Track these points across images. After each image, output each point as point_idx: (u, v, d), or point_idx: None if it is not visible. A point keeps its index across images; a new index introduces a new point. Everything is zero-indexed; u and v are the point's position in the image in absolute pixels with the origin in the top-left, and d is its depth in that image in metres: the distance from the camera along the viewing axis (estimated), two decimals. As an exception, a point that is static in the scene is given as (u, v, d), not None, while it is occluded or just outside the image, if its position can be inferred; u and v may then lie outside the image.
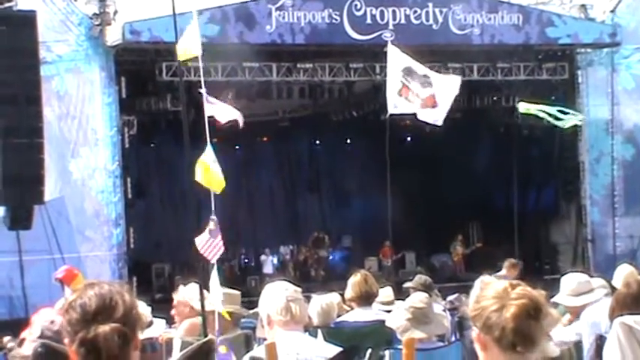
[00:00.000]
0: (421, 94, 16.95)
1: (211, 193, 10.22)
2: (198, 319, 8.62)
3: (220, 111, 10.90)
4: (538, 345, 3.39)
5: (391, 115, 17.06)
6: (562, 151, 27.94)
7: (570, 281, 8.96)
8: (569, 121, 21.52)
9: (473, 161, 31.35)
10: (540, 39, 26.18)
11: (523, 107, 21.51)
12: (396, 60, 17.41)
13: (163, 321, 10.02)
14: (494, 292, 3.48)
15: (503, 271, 16.87)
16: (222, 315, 8.22)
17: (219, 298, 9.06)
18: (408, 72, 16.95)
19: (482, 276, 9.55)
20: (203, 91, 10.78)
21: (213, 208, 10.20)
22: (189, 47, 10.67)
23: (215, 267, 9.66)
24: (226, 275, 27.56)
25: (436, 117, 17.05)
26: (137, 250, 24.51)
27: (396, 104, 16.65)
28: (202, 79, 10.99)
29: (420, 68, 17.43)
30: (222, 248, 9.87)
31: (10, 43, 20.86)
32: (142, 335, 7.70)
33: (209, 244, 9.81)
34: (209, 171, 10.01)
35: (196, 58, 10.58)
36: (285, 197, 33.28)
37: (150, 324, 8.06)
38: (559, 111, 21.37)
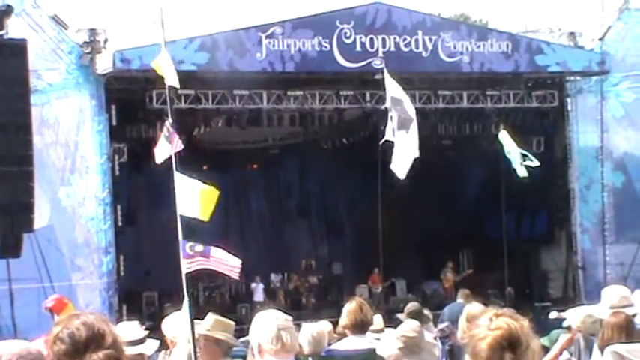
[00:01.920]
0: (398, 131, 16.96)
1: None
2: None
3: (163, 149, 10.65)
4: None
5: (385, 141, 17.07)
6: (552, 178, 28.00)
7: (612, 294, 8.95)
8: (523, 169, 21.67)
9: (463, 188, 31.41)
10: (530, 67, 26.32)
11: (502, 136, 21.68)
12: (390, 89, 17.45)
13: (157, 341, 9.98)
14: (482, 320, 3.51)
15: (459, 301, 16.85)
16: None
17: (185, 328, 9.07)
18: (395, 105, 16.98)
19: (468, 304, 9.53)
20: (168, 123, 10.63)
21: (180, 237, 10.04)
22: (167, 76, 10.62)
23: (186, 298, 9.62)
24: (216, 302, 27.54)
25: (400, 169, 17.05)
26: (127, 278, 24.44)
27: (394, 132, 16.68)
28: (169, 107, 10.91)
29: (407, 104, 17.40)
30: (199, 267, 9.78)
31: (0, 72, 20.87)
32: (135, 351, 7.69)
33: (220, 262, 9.74)
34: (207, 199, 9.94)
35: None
36: (275, 224, 33.25)
37: (142, 341, 8.03)
38: (523, 155, 21.53)
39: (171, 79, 10.41)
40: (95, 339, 3.20)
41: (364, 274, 29.54)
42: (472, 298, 17.04)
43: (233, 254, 9.79)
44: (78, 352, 3.17)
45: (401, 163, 16.84)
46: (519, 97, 26.94)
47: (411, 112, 17.35)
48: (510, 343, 3.42)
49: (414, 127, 16.99)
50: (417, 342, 7.08)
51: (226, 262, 9.77)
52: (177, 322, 9.08)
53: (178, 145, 10.33)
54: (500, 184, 25.63)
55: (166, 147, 10.32)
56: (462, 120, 27.36)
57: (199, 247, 9.81)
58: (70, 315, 3.34)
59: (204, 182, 9.94)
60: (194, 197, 9.91)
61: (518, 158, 21.27)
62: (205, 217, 9.86)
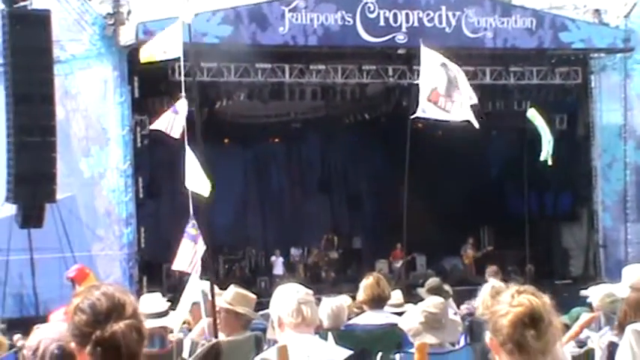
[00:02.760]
0: (452, 97, 16.75)
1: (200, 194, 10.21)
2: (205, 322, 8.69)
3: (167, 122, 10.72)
4: (535, 353, 3.39)
5: (414, 118, 16.94)
6: (575, 156, 27.87)
7: (632, 273, 8.92)
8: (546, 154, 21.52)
9: (485, 165, 31.31)
10: (554, 43, 26.14)
11: (531, 113, 21.48)
12: (430, 61, 17.19)
13: (181, 314, 10.04)
14: (505, 297, 3.51)
15: (490, 279, 16.77)
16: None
17: (187, 305, 9.12)
18: (441, 70, 16.74)
19: (493, 280, 9.51)
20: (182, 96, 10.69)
21: (191, 212, 10.15)
22: (166, 49, 10.67)
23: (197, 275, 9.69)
24: (236, 275, 27.61)
25: (470, 117, 16.86)
26: (148, 250, 24.52)
27: (424, 109, 16.50)
28: (183, 79, 10.99)
29: (454, 69, 17.17)
30: (203, 249, 9.85)
31: (24, 42, 20.93)
32: (158, 324, 7.72)
33: (191, 255, 9.81)
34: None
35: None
36: (296, 198, 33.25)
37: (165, 314, 8.05)
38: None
39: (175, 51, 10.44)
40: (116, 309, 3.20)
41: (384, 249, 29.54)
42: (500, 275, 17.07)
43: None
44: (99, 323, 3.17)
45: (467, 114, 16.65)
46: (543, 74, 26.79)
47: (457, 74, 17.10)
48: (532, 319, 3.41)
49: (463, 82, 16.76)
50: (439, 318, 7.05)
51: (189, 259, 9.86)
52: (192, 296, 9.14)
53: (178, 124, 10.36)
54: (522, 162, 25.51)
55: (169, 121, 10.37)
56: (484, 96, 27.19)
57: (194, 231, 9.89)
58: (89, 286, 3.34)
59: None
60: (200, 173, 10.00)
61: (547, 137, 21.11)
62: (207, 192, 9.95)
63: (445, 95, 16.30)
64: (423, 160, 27.94)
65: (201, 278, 9.86)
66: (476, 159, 30.40)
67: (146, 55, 11.11)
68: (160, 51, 10.96)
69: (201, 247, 9.91)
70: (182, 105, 10.54)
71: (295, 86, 25.97)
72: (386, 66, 25.53)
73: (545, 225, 28.88)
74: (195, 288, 9.33)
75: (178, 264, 10.07)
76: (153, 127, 10.72)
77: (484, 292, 9.31)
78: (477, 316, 9.35)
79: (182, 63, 10.99)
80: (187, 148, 10.14)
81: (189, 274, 10.02)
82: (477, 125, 16.73)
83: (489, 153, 31.32)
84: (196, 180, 10.08)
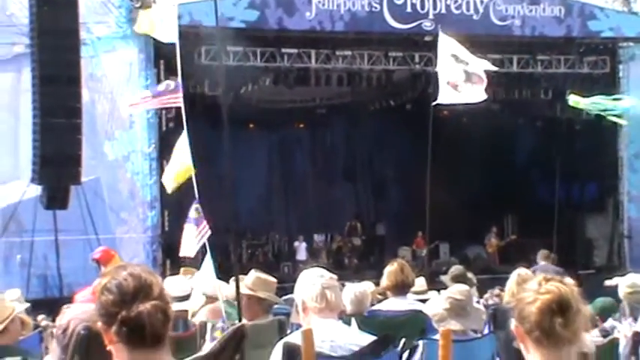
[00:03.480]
0: (466, 82, 16.71)
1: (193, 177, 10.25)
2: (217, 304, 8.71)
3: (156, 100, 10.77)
4: (563, 341, 3.37)
5: (436, 105, 16.91)
6: (601, 146, 27.72)
7: None
8: (620, 108, 20.98)
9: (510, 154, 31.20)
10: (582, 32, 26.01)
11: (573, 100, 21.22)
12: (447, 48, 17.19)
13: (203, 297, 10.06)
14: (531, 284, 3.49)
15: (542, 262, 16.76)
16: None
17: (208, 284, 9.13)
18: (457, 58, 16.74)
19: (519, 268, 9.45)
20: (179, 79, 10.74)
21: (197, 196, 10.18)
22: (163, 31, 10.72)
23: (209, 253, 9.69)
24: (259, 260, 27.64)
25: (478, 95, 16.80)
26: (171, 233, 24.51)
27: (445, 95, 16.49)
28: (179, 64, 11.03)
29: (466, 56, 17.15)
30: (208, 233, 9.87)
31: (51, 24, 20.93)
32: (180, 307, 7.73)
33: (196, 239, 9.84)
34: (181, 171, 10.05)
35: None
36: (320, 184, 33.21)
37: (187, 297, 8.07)
38: (614, 99, 20.93)
39: (170, 35, 10.46)
40: (143, 289, 3.21)
41: (407, 236, 29.51)
42: (551, 259, 17.00)
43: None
44: (125, 303, 3.17)
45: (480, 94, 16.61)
46: (570, 63, 26.64)
47: (479, 67, 17.04)
48: (560, 307, 3.38)
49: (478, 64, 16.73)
50: (464, 305, 7.02)
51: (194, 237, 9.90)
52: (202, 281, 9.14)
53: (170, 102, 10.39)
54: (547, 151, 25.43)
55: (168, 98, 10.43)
56: (511, 84, 27.09)
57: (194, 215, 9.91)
58: (116, 266, 3.35)
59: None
60: (175, 165, 10.02)
61: (603, 107, 20.75)
62: (169, 188, 9.98)
63: (460, 81, 16.28)
64: (448, 147, 27.93)
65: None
66: (501, 147, 30.30)
67: (144, 27, 11.09)
68: (158, 30, 10.98)
69: (204, 230, 9.90)
70: (172, 83, 10.60)
71: (321, 72, 25.94)
72: (412, 53, 25.45)
73: (570, 214, 28.75)
74: (209, 270, 9.32)
75: (184, 250, 10.08)
76: (149, 106, 10.73)
77: (511, 279, 9.28)
78: (502, 304, 9.32)
79: (177, 49, 10.99)
80: (184, 132, 10.17)
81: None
82: (484, 96, 16.64)
83: (515, 141, 31.21)
84: (173, 170, 10.10)
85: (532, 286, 3.48)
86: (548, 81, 26.83)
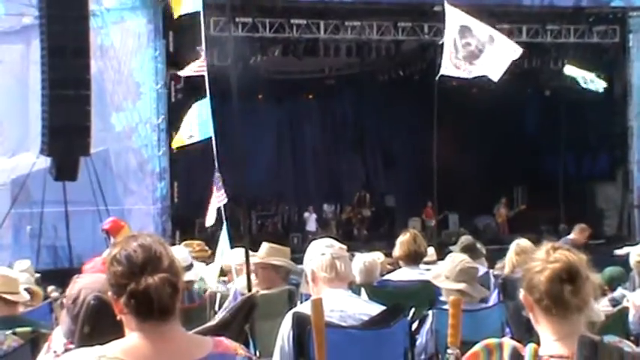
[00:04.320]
0: (470, 58, 16.64)
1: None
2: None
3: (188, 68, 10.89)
4: (572, 309, 3.36)
5: (442, 76, 16.87)
6: (611, 115, 27.64)
7: None
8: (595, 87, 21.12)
9: (519, 124, 31.13)
10: (592, 1, 25.92)
11: (569, 71, 21.22)
12: (453, 20, 17.11)
13: (202, 264, 10.07)
14: (540, 253, 3.48)
15: (572, 235, 16.74)
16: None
17: (225, 253, 9.18)
18: (463, 34, 16.65)
19: (519, 239, 9.48)
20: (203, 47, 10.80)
21: (216, 164, 10.24)
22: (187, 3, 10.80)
23: (225, 224, 9.75)
24: (269, 231, 27.67)
25: (492, 72, 16.72)
26: (181, 205, 24.57)
27: (447, 66, 16.45)
28: (203, 34, 11.07)
29: (480, 29, 17.04)
30: (224, 200, 9.97)
31: (59, -6, 20.92)
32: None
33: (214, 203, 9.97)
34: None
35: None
36: (329, 155, 33.20)
37: (190, 267, 8.06)
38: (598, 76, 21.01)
39: (197, 5, 10.54)
40: (151, 262, 3.20)
41: (417, 207, 29.50)
42: (588, 232, 16.96)
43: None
44: (134, 275, 3.17)
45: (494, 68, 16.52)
46: (580, 33, 26.50)
47: (484, 33, 16.97)
48: (569, 275, 3.38)
49: (495, 43, 16.65)
50: (474, 274, 7.07)
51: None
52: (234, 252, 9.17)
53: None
54: (557, 121, 25.38)
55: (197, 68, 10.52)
56: (520, 54, 26.96)
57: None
58: (128, 236, 3.34)
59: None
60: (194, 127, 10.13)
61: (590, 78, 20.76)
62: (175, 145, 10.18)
63: (465, 55, 16.20)
64: (458, 118, 27.88)
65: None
66: (511, 117, 30.22)
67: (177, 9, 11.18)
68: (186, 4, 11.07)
69: (222, 197, 9.98)
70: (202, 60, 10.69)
71: (330, 42, 25.87)
72: (421, 23, 25.35)
73: (580, 185, 28.74)
74: (225, 241, 9.37)
75: (208, 220, 10.19)
76: (182, 73, 10.86)
77: (511, 250, 9.32)
78: (510, 274, 9.31)
79: (202, 18, 11.02)
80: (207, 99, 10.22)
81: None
82: (495, 79, 16.56)
83: (524, 111, 31.12)
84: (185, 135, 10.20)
85: (540, 255, 3.48)
86: (558, 51, 26.70)
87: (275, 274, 7.99)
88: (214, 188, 10.11)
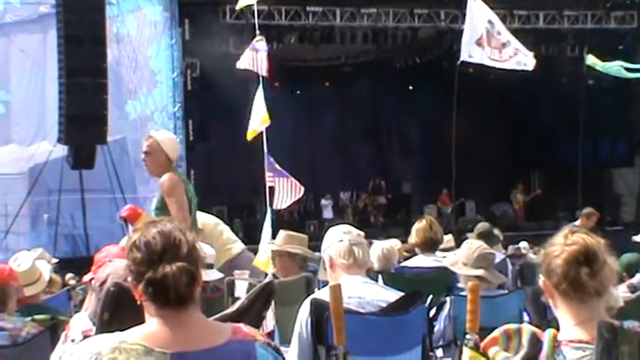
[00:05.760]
0: (500, 48, 16.55)
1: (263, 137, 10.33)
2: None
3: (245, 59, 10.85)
4: (591, 293, 3.36)
5: (461, 62, 16.80)
6: (629, 101, 27.53)
7: None
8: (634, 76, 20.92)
9: (536, 110, 31.04)
10: (609, -14, 25.77)
11: (590, 60, 21.05)
12: (480, 9, 17.04)
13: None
14: (557, 238, 3.48)
15: (578, 222, 16.63)
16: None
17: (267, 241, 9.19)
18: (492, 25, 16.58)
19: (570, 225, 9.45)
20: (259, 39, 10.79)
21: (265, 150, 10.27)
22: None
23: (270, 210, 9.76)
24: (285, 219, 27.66)
25: (525, 62, 16.62)
26: (197, 193, 24.55)
27: (471, 53, 16.34)
28: (257, 22, 11.09)
29: (502, 30, 16.98)
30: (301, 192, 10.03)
31: (75, -17, 20.96)
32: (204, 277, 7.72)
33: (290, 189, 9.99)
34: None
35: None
36: (345, 143, 33.17)
37: (211, 266, 8.07)
38: (626, 69, 20.81)
39: None
40: (170, 250, 3.19)
41: (433, 194, 29.49)
42: (595, 217, 16.85)
43: (298, 181, 9.95)
44: (152, 263, 3.17)
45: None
46: (597, 18, 26.39)
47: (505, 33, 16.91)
48: (587, 257, 3.37)
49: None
50: (491, 260, 7.06)
51: (289, 192, 10.02)
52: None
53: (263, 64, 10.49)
54: (574, 107, 25.24)
55: (252, 58, 10.50)
56: (537, 41, 26.86)
57: (277, 166, 10.03)
58: (148, 222, 3.33)
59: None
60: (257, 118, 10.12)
61: (616, 66, 20.60)
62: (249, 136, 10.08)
63: (491, 44, 16.11)
64: (474, 104, 27.82)
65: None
66: (527, 104, 30.15)
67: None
68: None
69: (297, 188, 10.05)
70: (261, 44, 10.62)
71: (346, 30, 25.84)
72: (438, 10, 25.30)
73: (597, 171, 28.66)
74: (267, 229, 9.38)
75: (279, 202, 10.19)
76: (239, 65, 10.79)
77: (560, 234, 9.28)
78: (527, 260, 9.31)
79: (255, 7, 11.07)
80: (260, 88, 10.23)
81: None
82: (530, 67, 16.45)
83: (541, 97, 31.02)
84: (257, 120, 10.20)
85: (558, 239, 3.48)
86: (575, 37, 26.61)
87: (291, 262, 8.00)
88: (284, 173, 10.12)
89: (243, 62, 10.80)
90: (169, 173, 8.38)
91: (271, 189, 10.07)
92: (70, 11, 20.85)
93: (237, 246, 10.23)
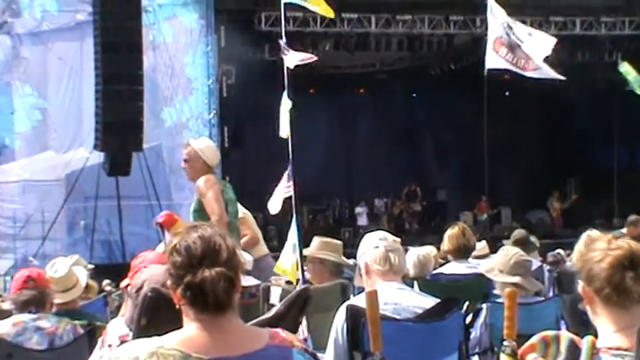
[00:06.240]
0: (516, 53, 16.54)
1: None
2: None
3: (291, 58, 10.97)
4: (634, 298, 3.33)
5: (490, 69, 16.76)
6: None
7: None
8: None
9: (572, 117, 30.90)
10: (647, -7, 25.61)
11: (624, 68, 20.93)
12: (496, 13, 17.07)
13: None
14: (599, 244, 3.44)
15: (624, 229, 16.43)
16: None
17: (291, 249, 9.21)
18: (511, 29, 16.57)
19: (589, 230, 9.37)
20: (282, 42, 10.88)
21: (290, 157, 10.30)
22: None
23: (294, 218, 9.80)
24: (320, 226, 27.69)
25: (549, 73, 16.61)
26: (233, 200, 24.62)
27: (492, 60, 16.37)
28: (283, 28, 11.17)
29: (517, 26, 16.99)
30: (290, 192, 10.09)
31: (112, -9, 21.06)
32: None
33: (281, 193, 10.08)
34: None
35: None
36: (380, 150, 33.14)
37: (248, 272, 8.09)
38: None
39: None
40: (210, 255, 3.20)
41: (468, 201, 29.41)
42: None
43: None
44: (192, 267, 3.18)
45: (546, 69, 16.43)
46: (635, 25, 26.21)
47: (524, 31, 16.88)
48: (632, 262, 3.34)
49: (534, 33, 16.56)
50: (528, 267, 7.02)
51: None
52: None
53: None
54: (611, 114, 25.14)
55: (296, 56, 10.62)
56: (574, 47, 26.75)
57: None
58: (189, 226, 3.34)
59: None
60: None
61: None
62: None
63: (509, 48, 16.10)
64: (510, 111, 27.74)
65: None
66: (563, 111, 30.02)
67: None
68: None
69: (289, 189, 10.07)
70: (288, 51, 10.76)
71: (381, 36, 25.84)
72: (473, 16, 25.21)
73: (634, 177, 28.43)
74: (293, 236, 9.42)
75: (272, 207, 10.33)
76: (287, 64, 10.96)
77: (580, 240, 9.22)
78: (565, 267, 9.26)
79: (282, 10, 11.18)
80: (285, 95, 10.29)
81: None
82: (558, 76, 16.40)
83: (577, 104, 30.87)
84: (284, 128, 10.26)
85: (600, 245, 3.45)
86: (612, 43, 26.45)
87: (322, 268, 8.00)
88: (285, 178, 10.18)
89: (290, 61, 10.99)
90: (206, 175, 8.51)
91: (289, 198, 10.15)
92: (107, 19, 20.95)
93: (263, 249, 10.35)
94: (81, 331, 6.49)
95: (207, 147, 8.80)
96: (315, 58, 10.81)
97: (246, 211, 10.11)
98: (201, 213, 8.24)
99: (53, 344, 6.37)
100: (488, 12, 16.98)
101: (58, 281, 7.57)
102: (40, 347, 6.33)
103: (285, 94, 10.58)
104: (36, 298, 6.63)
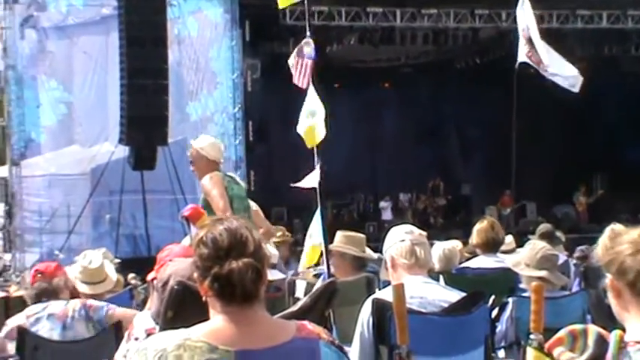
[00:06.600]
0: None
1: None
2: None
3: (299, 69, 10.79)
4: None
5: (520, 63, 16.67)
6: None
7: None
8: None
9: (599, 111, 30.73)
10: (675, -15, 25.43)
11: None
12: (527, 12, 16.94)
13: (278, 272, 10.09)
14: (630, 237, 3.41)
15: None
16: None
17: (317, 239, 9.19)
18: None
19: (613, 224, 9.31)
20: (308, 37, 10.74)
21: (316, 157, 10.18)
22: None
23: (319, 209, 9.74)
24: (344, 220, 27.68)
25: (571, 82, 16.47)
26: (257, 193, 24.59)
27: (522, 52, 16.26)
28: (307, 22, 11.02)
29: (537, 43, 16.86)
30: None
31: (137, -15, 21.09)
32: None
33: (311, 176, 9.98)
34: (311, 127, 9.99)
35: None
36: (404, 144, 33.07)
37: (274, 266, 8.11)
38: None
39: None
40: (237, 246, 3.21)
41: (493, 195, 29.31)
42: None
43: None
44: (219, 259, 3.18)
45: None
46: (663, 18, 26.08)
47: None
48: None
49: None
50: (555, 261, 6.99)
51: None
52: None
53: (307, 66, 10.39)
54: (639, 108, 24.98)
55: (296, 64, 10.42)
56: (601, 41, 26.60)
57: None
58: (215, 219, 3.35)
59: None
60: (310, 121, 10.00)
61: None
62: (309, 144, 9.90)
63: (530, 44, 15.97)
64: (536, 105, 27.58)
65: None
66: (590, 105, 29.81)
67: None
68: None
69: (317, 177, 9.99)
70: (309, 48, 10.54)
71: (406, 30, 25.79)
72: (499, 10, 25.13)
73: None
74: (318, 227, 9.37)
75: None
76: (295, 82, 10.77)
77: (604, 234, 9.16)
78: (591, 262, 9.21)
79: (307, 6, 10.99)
80: (311, 89, 10.17)
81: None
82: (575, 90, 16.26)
83: (604, 99, 30.70)
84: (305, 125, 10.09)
85: (631, 237, 3.41)
86: (639, 37, 26.31)
87: (343, 262, 8.02)
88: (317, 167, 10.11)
89: (290, 61, 10.80)
90: (210, 173, 8.56)
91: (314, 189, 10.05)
92: (132, 13, 20.98)
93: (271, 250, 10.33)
94: (93, 303, 6.68)
95: (206, 144, 8.87)
96: (302, 85, 10.53)
97: (258, 207, 10.08)
98: (208, 210, 8.27)
99: (65, 326, 6.56)
100: (519, 7, 16.84)
101: (93, 273, 7.65)
102: (54, 332, 6.52)
103: (316, 97, 10.35)
104: (46, 290, 7.01)
